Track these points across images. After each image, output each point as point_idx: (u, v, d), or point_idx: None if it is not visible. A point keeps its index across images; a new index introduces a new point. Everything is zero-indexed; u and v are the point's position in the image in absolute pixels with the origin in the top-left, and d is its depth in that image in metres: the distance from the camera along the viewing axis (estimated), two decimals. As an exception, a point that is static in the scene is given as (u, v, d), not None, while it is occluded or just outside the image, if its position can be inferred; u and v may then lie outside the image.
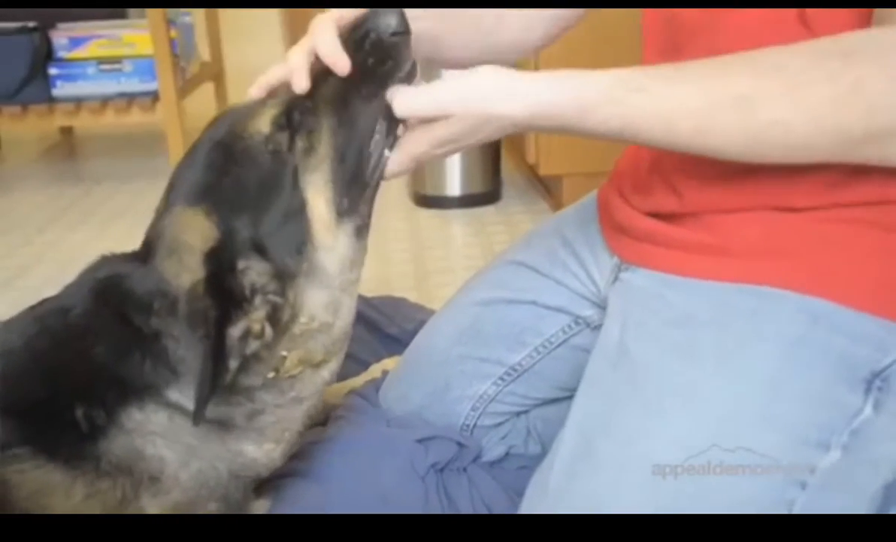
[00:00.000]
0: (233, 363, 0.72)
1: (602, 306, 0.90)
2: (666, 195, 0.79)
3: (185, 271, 0.73)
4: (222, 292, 0.72)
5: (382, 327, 1.38)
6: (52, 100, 2.56)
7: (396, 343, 1.30)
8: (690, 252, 0.74)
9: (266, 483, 0.93)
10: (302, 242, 0.76)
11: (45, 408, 0.74)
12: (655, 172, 0.81)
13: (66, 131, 3.21)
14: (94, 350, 0.77)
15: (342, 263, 0.79)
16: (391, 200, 2.33)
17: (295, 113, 0.76)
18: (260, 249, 0.75)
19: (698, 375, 0.70)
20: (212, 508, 0.82)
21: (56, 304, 0.82)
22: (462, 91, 0.69)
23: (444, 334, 1.06)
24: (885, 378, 0.65)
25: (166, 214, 0.78)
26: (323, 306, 0.80)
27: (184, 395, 0.76)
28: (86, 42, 2.56)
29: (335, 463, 0.97)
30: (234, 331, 0.72)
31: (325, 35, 0.73)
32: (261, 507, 0.92)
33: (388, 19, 0.71)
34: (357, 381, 1.17)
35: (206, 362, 0.69)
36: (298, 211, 0.76)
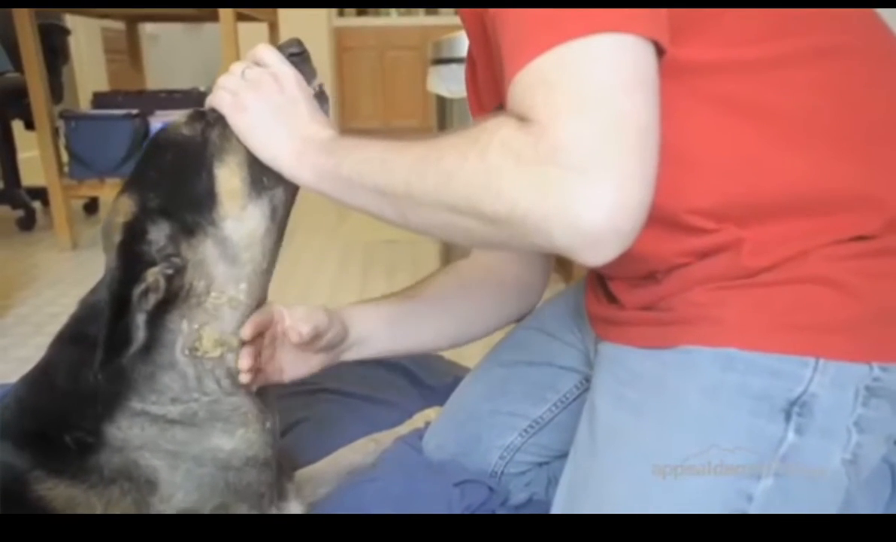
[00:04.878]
0: (139, 318, 0.72)
1: None
2: (609, 299, 0.84)
3: (112, 249, 0.73)
4: (131, 256, 0.72)
5: (423, 380, 1.39)
6: (146, 173, 2.66)
7: (435, 394, 1.32)
8: (637, 326, 0.76)
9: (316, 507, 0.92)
10: (210, 209, 0.76)
11: (42, 439, 0.75)
12: (597, 279, 0.86)
13: (156, 198, 3.31)
14: (55, 381, 0.77)
15: (250, 236, 0.78)
16: (421, 262, 2.36)
17: (211, 108, 0.79)
18: (169, 217, 0.75)
19: (642, 425, 0.70)
20: (242, 511, 0.80)
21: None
22: None
23: (476, 392, 1.07)
24: (803, 404, 0.64)
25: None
26: (232, 280, 0.78)
27: (145, 400, 0.76)
28: (176, 126, 2.66)
29: (382, 501, 0.97)
30: (138, 289, 0.71)
31: (269, 51, 0.79)
32: (295, 510, 0.89)
33: (290, 46, 0.81)
34: (402, 429, 1.18)
35: (109, 312, 0.68)
36: (209, 184, 0.76)
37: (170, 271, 0.74)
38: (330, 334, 0.89)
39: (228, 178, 0.77)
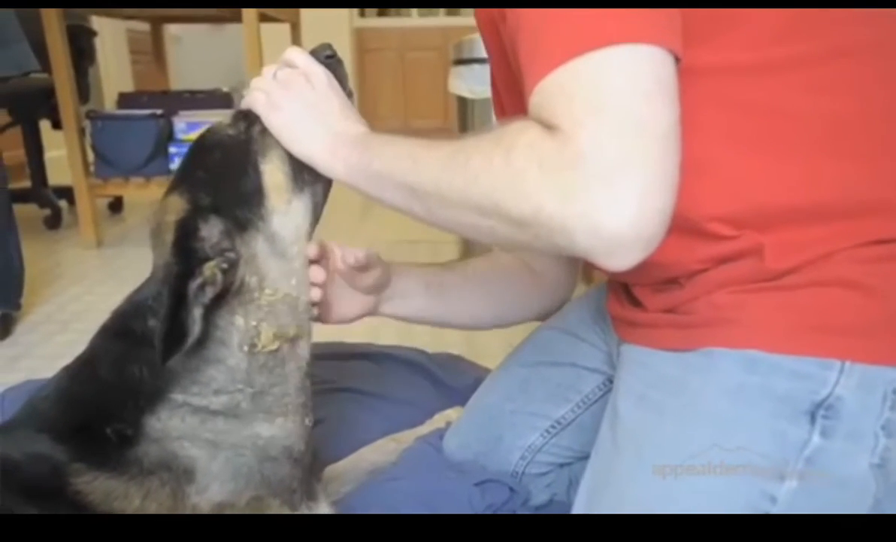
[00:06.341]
0: (196, 312, 0.73)
1: None
2: (632, 302, 0.83)
3: (163, 247, 0.74)
4: (186, 252, 0.73)
5: (444, 381, 1.39)
6: (170, 173, 2.67)
7: (456, 394, 1.31)
8: (659, 329, 0.76)
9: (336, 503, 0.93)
10: (259, 205, 0.79)
11: (82, 431, 0.76)
12: (619, 282, 0.86)
13: (179, 198, 3.34)
14: (100, 374, 0.79)
15: (296, 230, 0.81)
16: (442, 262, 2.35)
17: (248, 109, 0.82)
18: (221, 214, 0.77)
19: (663, 426, 0.70)
20: (274, 505, 0.80)
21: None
22: None
23: (498, 392, 1.07)
24: (829, 406, 0.63)
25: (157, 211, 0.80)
26: (284, 275, 0.80)
27: (187, 392, 0.77)
28: (200, 126, 2.66)
29: (403, 500, 0.97)
30: (194, 283, 0.73)
31: (299, 53, 0.82)
32: (324, 509, 0.89)
33: (324, 49, 0.85)
34: (423, 429, 1.18)
35: (169, 305, 0.69)
36: (256, 181, 0.79)
37: (225, 266, 0.76)
38: (377, 273, 0.92)
39: (273, 173, 0.80)
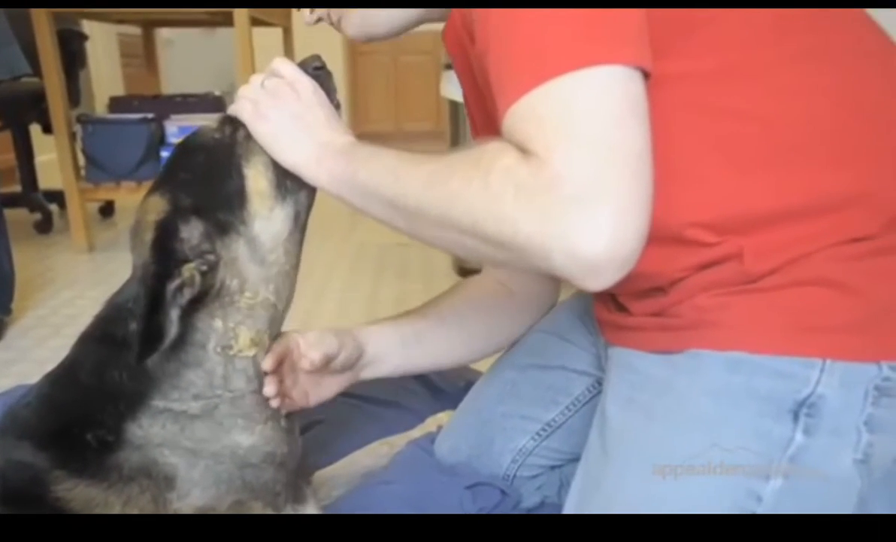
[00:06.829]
0: (173, 313, 0.73)
1: None
2: (617, 307, 0.84)
3: (143, 247, 0.74)
4: (165, 252, 0.73)
5: (436, 384, 1.39)
6: (162, 177, 2.68)
7: (448, 398, 1.32)
8: (646, 331, 0.76)
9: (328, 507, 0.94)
10: (241, 209, 0.78)
11: (63, 438, 0.76)
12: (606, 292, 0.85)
13: (171, 201, 3.34)
14: (80, 379, 0.78)
15: (276, 238, 0.81)
16: (437, 269, 2.37)
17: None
18: (202, 216, 0.77)
19: (651, 427, 0.71)
20: (256, 508, 0.81)
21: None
22: None
23: (489, 396, 1.08)
24: (811, 405, 0.64)
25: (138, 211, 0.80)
26: (263, 281, 0.81)
27: (167, 398, 0.77)
28: (192, 130, 2.67)
29: (394, 503, 0.97)
30: (172, 284, 0.73)
31: (286, 63, 0.82)
32: (311, 511, 0.89)
33: (313, 60, 0.85)
34: (415, 433, 1.18)
35: (145, 305, 0.70)
36: (239, 184, 0.79)
37: (204, 268, 0.76)
38: (343, 356, 0.91)
39: (256, 177, 0.80)
